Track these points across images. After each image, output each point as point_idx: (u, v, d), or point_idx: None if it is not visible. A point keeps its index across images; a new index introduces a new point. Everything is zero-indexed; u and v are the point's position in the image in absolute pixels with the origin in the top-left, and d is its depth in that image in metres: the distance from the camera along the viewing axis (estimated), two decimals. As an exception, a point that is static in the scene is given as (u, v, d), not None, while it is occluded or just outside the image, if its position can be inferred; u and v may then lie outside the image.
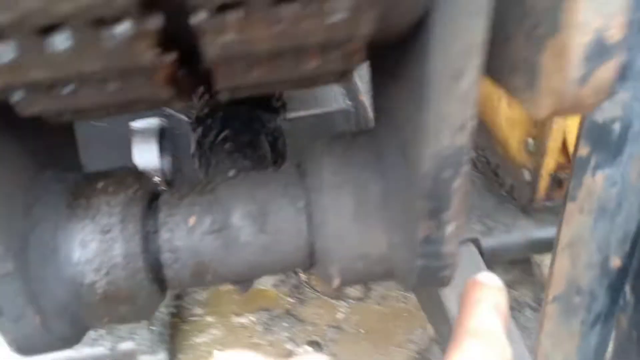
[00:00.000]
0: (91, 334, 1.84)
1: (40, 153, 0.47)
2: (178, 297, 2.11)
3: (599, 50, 0.40)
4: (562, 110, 0.43)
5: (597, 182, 0.70)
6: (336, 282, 0.50)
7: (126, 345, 1.82)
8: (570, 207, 0.71)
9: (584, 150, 0.67)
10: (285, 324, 2.02)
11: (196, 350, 1.95)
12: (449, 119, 0.38)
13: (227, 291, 2.15)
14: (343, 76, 0.41)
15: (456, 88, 0.37)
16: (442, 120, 0.39)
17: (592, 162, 0.68)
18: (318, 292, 2.14)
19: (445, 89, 0.37)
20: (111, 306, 0.46)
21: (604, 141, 0.67)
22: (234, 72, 0.34)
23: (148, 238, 0.47)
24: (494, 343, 0.41)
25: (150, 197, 0.49)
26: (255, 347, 1.92)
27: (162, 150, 1.09)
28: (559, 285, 0.77)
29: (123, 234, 0.45)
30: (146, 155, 1.10)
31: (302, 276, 2.19)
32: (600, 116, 0.65)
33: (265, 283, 2.17)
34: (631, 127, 0.67)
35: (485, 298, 0.45)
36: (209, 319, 2.03)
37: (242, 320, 2.04)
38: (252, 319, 2.04)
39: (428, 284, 0.50)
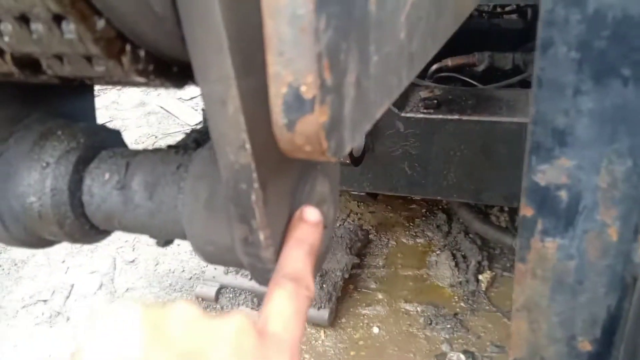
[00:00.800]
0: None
1: (33, 101, 0.62)
2: (358, 266, 2.25)
3: (298, 103, 0.43)
4: (292, 151, 0.47)
5: (548, 250, 0.64)
6: (200, 258, 0.61)
7: (299, 292, 2.07)
8: (520, 267, 0.66)
9: (528, 211, 0.62)
10: (448, 326, 2.00)
11: (357, 319, 2.05)
12: (227, 139, 0.45)
13: (405, 276, 2.23)
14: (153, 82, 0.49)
15: (224, 112, 0.44)
16: (222, 139, 0.46)
17: (539, 226, 0.63)
18: (495, 307, 2.06)
19: (215, 112, 0.44)
20: (45, 225, 0.61)
21: (549, 207, 0.61)
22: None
23: (76, 180, 0.61)
24: (301, 283, 0.49)
25: (91, 150, 0.63)
26: (410, 336, 1.98)
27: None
28: (519, 347, 0.72)
29: (55, 172, 0.59)
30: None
31: (483, 286, 2.14)
32: (541, 179, 0.60)
33: (443, 281, 2.18)
34: (582, 200, 0.59)
35: (303, 238, 0.52)
36: (380, 295, 2.14)
37: (409, 307, 2.10)
38: (419, 309, 2.08)
39: (263, 284, 0.55)
